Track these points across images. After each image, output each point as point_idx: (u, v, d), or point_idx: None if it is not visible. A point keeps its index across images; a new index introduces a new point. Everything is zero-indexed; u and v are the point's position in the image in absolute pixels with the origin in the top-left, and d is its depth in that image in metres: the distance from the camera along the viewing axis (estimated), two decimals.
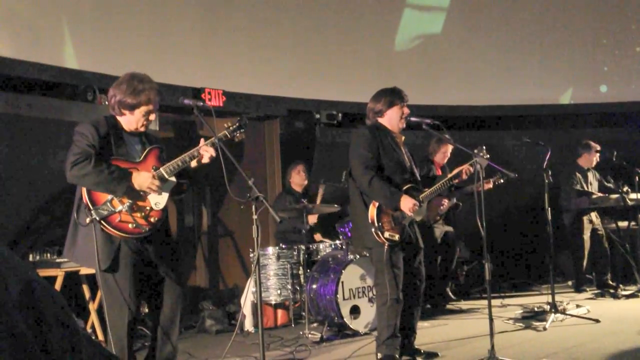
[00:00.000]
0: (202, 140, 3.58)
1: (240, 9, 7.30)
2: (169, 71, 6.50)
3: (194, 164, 3.54)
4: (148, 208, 3.38)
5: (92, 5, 6.14)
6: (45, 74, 5.65)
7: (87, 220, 3.25)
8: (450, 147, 6.37)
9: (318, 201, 6.36)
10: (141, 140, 3.55)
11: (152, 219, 3.38)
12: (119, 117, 3.49)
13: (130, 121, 3.47)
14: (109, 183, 3.26)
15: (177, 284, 3.53)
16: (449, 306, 6.49)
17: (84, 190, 3.29)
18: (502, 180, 6.05)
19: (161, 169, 3.43)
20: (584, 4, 8.85)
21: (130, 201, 3.31)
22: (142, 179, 3.34)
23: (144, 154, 3.48)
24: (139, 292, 3.50)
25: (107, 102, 3.54)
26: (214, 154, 3.52)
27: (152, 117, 3.50)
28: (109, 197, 3.28)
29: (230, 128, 3.66)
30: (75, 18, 6.01)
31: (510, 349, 4.39)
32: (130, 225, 3.30)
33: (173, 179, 3.47)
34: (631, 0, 8.89)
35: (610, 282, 7.04)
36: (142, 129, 3.51)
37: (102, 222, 3.26)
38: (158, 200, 3.42)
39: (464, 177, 4.48)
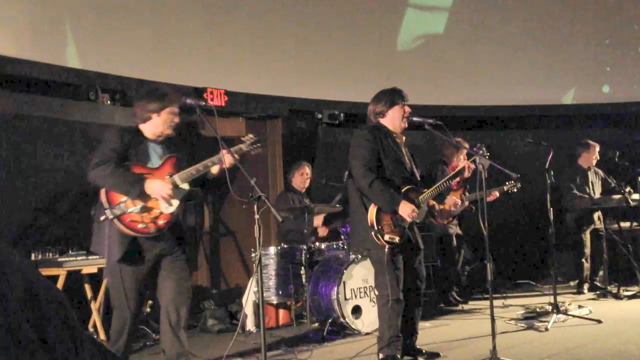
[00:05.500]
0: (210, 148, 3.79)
1: (242, 9, 7.30)
2: (171, 71, 6.51)
3: (215, 170, 3.73)
4: (157, 211, 3.61)
5: (94, 4, 6.14)
6: (47, 73, 5.66)
7: (102, 218, 3.55)
8: (464, 152, 6.29)
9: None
10: (163, 147, 3.75)
11: (160, 222, 3.62)
12: (142, 126, 3.71)
13: (156, 124, 3.69)
14: (123, 186, 3.54)
15: (186, 282, 3.72)
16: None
17: (103, 190, 3.57)
18: (515, 190, 6.02)
19: (175, 176, 3.66)
20: (586, 4, 8.84)
21: (142, 204, 3.56)
22: (155, 185, 3.57)
23: (161, 162, 3.69)
24: (145, 288, 3.74)
25: (134, 113, 3.78)
26: (232, 162, 3.66)
27: (177, 119, 3.75)
28: (123, 198, 3.54)
29: (247, 142, 3.82)
30: (77, 17, 6.01)
31: (511, 350, 4.39)
32: (139, 225, 3.56)
33: (186, 186, 3.69)
34: (633, 0, 8.87)
35: (599, 284, 7.01)
36: (168, 132, 3.72)
37: (115, 220, 3.53)
38: (168, 205, 3.63)
39: (467, 174, 4.44)
